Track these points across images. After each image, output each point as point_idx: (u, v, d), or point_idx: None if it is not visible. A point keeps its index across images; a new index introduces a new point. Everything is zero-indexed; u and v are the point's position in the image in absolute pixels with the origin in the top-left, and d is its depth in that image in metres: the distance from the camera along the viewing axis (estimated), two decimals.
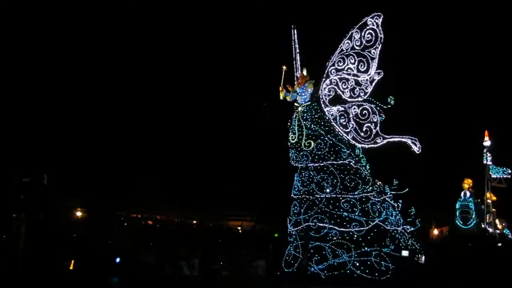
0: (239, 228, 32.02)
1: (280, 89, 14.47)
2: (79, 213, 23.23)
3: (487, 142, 27.44)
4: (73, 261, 15.34)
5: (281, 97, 14.52)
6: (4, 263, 14.14)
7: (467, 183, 29.89)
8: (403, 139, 13.81)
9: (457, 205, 29.67)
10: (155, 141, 30.51)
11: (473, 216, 28.34)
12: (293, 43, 14.66)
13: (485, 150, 29.45)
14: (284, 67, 14.48)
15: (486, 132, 27.67)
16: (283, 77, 14.47)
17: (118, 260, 15.35)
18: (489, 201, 31.79)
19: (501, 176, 30.89)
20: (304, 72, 14.44)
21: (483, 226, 28.47)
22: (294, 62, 14.62)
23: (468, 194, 28.70)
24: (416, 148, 13.64)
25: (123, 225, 25.51)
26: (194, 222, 32.54)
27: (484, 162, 29.57)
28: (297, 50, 14.56)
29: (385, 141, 13.84)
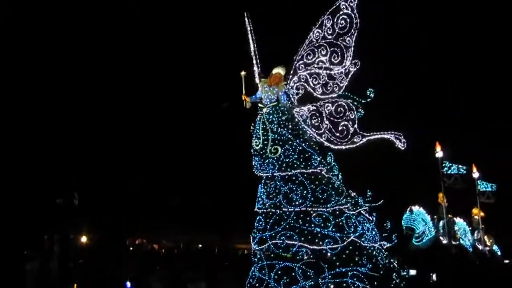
0: (246, 251, 30.89)
1: (244, 98, 12.83)
2: (84, 239, 22.99)
3: (439, 154, 25.68)
4: (75, 285, 15.59)
5: (247, 106, 12.89)
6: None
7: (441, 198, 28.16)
8: (385, 136, 12.24)
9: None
10: (158, 165, 29.50)
11: (421, 232, 26.54)
12: (249, 36, 13.03)
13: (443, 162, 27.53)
14: (243, 73, 12.84)
15: (437, 143, 26.02)
16: (243, 84, 12.83)
17: (128, 285, 15.51)
18: (476, 217, 30.68)
19: (489, 191, 29.75)
20: (281, 70, 12.76)
21: (444, 242, 26.69)
22: (251, 58, 13.00)
23: (413, 210, 27.01)
24: (400, 144, 12.09)
25: (128, 250, 25.55)
26: (200, 246, 31.77)
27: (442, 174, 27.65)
28: (255, 45, 12.89)
29: (364, 139, 12.26)
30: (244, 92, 12.85)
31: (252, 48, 12.96)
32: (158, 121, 28.32)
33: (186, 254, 27.16)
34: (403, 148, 12.09)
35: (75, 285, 16.02)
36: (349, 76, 12.26)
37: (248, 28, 13.01)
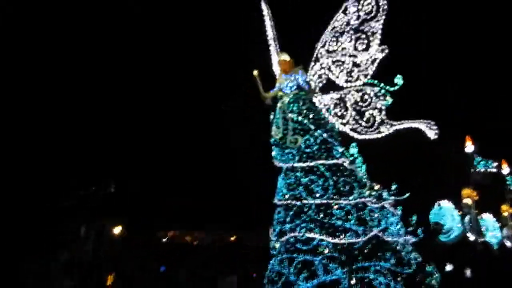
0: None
1: (265, 95, 12.38)
2: (117, 230, 22.99)
3: (469, 148, 24.77)
4: (110, 276, 16.10)
5: (270, 103, 12.42)
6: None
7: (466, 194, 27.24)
8: (414, 125, 11.52)
9: None
10: (194, 157, 29.31)
11: (449, 227, 25.81)
12: (266, 22, 12.54)
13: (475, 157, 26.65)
14: (255, 72, 12.24)
15: (467, 137, 25.09)
16: (259, 82, 12.28)
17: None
18: (506, 214, 29.98)
19: None
20: (286, 57, 12.31)
21: (471, 238, 25.97)
22: (270, 44, 12.53)
23: (442, 204, 26.29)
24: (432, 133, 11.38)
25: (160, 242, 25.74)
26: (232, 238, 31.53)
27: (472, 170, 26.76)
28: (274, 31, 12.40)
29: (392, 129, 11.59)
30: (262, 91, 12.43)
31: (271, 35, 12.52)
32: (158, 121, 28.14)
33: (218, 247, 27.03)
34: (434, 138, 11.42)
35: (109, 275, 16.21)
36: (376, 63, 11.67)
37: (266, 12, 12.57)
